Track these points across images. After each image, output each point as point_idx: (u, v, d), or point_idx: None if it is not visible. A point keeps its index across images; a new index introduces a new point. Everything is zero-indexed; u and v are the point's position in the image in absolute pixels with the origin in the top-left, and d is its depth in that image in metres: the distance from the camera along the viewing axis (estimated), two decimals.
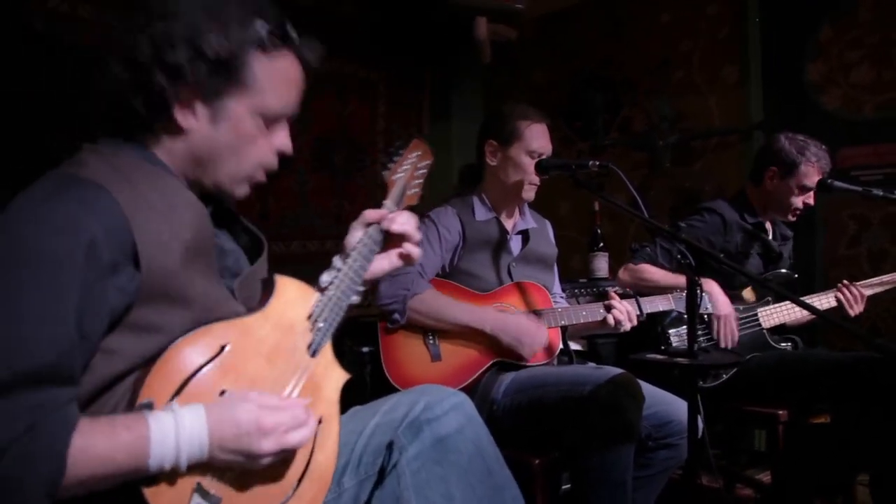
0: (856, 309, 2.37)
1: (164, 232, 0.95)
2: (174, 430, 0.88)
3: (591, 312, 2.02)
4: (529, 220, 2.22)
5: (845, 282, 2.39)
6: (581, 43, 3.85)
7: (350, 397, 1.32)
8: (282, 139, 1.12)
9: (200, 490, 0.93)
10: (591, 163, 1.83)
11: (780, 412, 2.18)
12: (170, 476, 0.90)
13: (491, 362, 1.96)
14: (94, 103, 1.09)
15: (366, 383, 2.12)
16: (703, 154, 3.38)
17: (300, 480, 1.05)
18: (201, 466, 0.93)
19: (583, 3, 3.80)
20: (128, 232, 0.91)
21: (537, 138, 2.06)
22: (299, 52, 1.10)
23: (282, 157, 1.14)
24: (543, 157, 2.05)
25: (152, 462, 0.87)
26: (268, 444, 0.95)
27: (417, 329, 1.96)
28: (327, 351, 1.15)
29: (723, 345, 2.26)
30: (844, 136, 2.93)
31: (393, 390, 1.84)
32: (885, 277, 2.45)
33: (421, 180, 1.35)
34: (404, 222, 1.24)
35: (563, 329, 2.10)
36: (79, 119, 2.22)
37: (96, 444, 0.85)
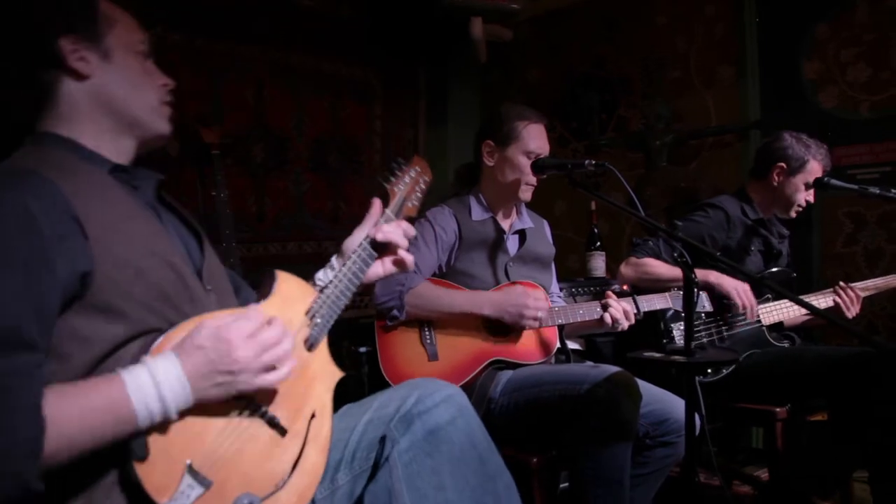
0: (853, 311, 2.38)
1: (105, 212, 0.99)
2: (147, 372, 0.90)
3: (587, 311, 2.02)
4: (526, 220, 2.22)
5: (842, 284, 2.40)
6: (577, 42, 3.85)
7: (348, 397, 1.33)
8: (158, 74, 1.19)
9: (192, 470, 0.94)
10: (587, 162, 1.83)
11: (778, 409, 2.18)
12: (161, 448, 0.91)
13: (488, 361, 1.95)
14: None
15: (363, 383, 2.13)
16: (700, 153, 3.39)
17: (292, 472, 1.07)
18: (193, 440, 0.94)
19: (578, 2, 3.80)
20: (67, 205, 0.94)
21: (535, 139, 2.06)
22: None
23: (168, 88, 1.20)
24: (541, 157, 2.05)
25: (137, 408, 0.88)
26: (242, 352, 0.97)
27: (414, 328, 1.96)
28: (323, 347, 1.18)
29: (749, 317, 2.30)
30: (841, 135, 2.93)
31: None
32: (879, 281, 2.46)
33: (420, 195, 1.46)
34: (389, 231, 1.31)
35: (561, 328, 2.10)
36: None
37: (75, 398, 0.87)
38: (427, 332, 1.96)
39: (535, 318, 1.93)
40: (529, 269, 2.15)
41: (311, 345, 1.14)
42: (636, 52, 3.59)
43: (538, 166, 1.95)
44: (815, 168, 2.43)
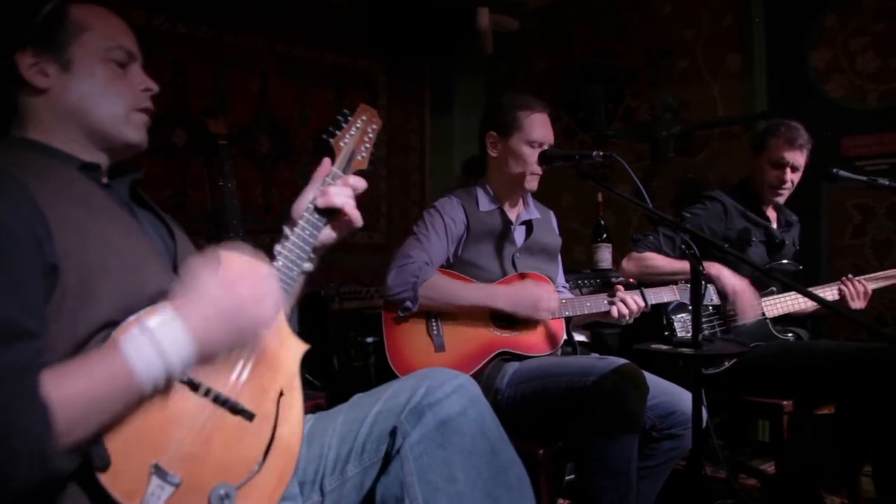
0: (857, 304, 2.36)
1: (75, 213, 0.98)
2: (149, 342, 0.89)
3: (595, 304, 2.02)
4: (533, 211, 2.21)
5: (850, 276, 2.38)
6: (583, 33, 3.83)
7: (355, 388, 1.32)
8: (141, 78, 1.16)
9: (158, 470, 0.92)
10: (594, 153, 1.82)
11: (784, 403, 2.18)
12: (122, 453, 0.90)
13: (495, 353, 1.96)
14: None
15: (370, 374, 2.13)
16: (707, 144, 3.37)
17: (266, 454, 1.04)
18: (155, 441, 0.92)
19: None
20: (35, 204, 0.93)
21: (538, 128, 2.06)
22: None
23: (150, 93, 1.17)
24: (544, 146, 2.04)
25: (145, 383, 0.88)
26: (250, 309, 0.97)
27: (421, 320, 1.96)
28: (282, 322, 1.14)
29: (742, 320, 2.28)
30: (849, 125, 2.92)
31: None
32: (891, 272, 2.44)
33: (370, 145, 1.33)
34: (333, 194, 1.22)
35: (568, 320, 2.09)
36: None
37: (76, 374, 0.86)
38: (434, 324, 1.96)
39: (549, 310, 1.95)
40: (536, 260, 2.15)
41: None
42: (642, 43, 3.57)
43: (546, 158, 1.94)
44: (774, 144, 2.42)
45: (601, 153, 1.81)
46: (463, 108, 4.09)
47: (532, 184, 2.09)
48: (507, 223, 2.11)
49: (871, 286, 2.39)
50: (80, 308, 0.94)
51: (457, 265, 2.05)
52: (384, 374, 1.91)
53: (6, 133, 1.10)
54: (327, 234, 1.27)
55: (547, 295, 1.95)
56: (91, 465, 0.88)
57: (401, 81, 3.94)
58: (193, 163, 2.91)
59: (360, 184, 1.26)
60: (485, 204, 2.11)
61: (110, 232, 1.01)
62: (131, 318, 0.93)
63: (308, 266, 1.25)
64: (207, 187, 2.83)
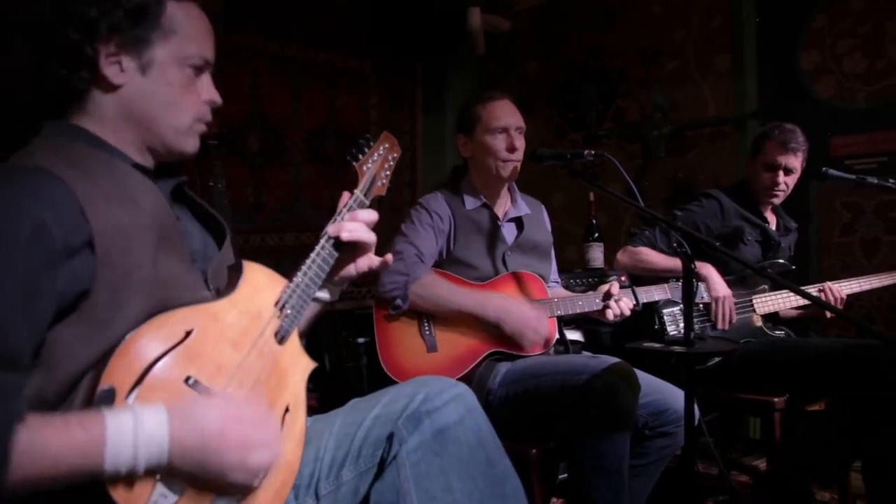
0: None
1: (122, 217, 0.94)
2: (132, 431, 0.84)
3: (587, 303, 2.02)
4: (522, 207, 2.21)
5: (828, 283, 2.40)
6: (574, 33, 3.84)
7: (347, 389, 1.31)
8: (208, 89, 1.12)
9: (164, 479, 0.91)
10: (586, 152, 1.83)
11: (776, 399, 2.19)
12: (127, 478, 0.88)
13: (487, 352, 1.95)
14: (15, 86, 1.09)
15: (362, 374, 2.12)
16: (698, 143, 3.39)
17: (267, 471, 1.03)
18: (161, 469, 0.90)
19: None
20: (81, 215, 0.90)
21: (496, 116, 2.07)
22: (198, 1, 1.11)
23: (213, 107, 1.14)
24: (510, 130, 2.05)
25: (108, 465, 0.83)
26: (230, 457, 0.92)
27: (414, 320, 1.95)
28: (294, 339, 1.14)
29: (720, 326, 2.28)
30: (838, 125, 2.94)
31: (389, 381, 1.84)
32: (863, 279, 2.45)
33: (389, 172, 1.36)
34: (352, 230, 1.19)
35: (559, 319, 2.10)
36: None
37: (48, 441, 0.81)
38: (426, 324, 1.96)
39: (534, 341, 1.92)
40: (528, 258, 2.14)
41: (281, 337, 1.09)
42: (633, 43, 3.58)
43: (537, 157, 1.94)
44: (769, 147, 2.43)
45: (593, 152, 1.82)
46: (454, 109, 4.08)
47: (505, 171, 2.07)
48: (494, 220, 2.11)
49: (846, 292, 2.40)
50: (110, 320, 0.91)
51: (448, 264, 2.05)
52: (376, 376, 1.90)
53: (62, 117, 1.05)
54: (348, 268, 1.26)
55: (537, 323, 1.92)
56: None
57: (392, 81, 3.94)
58: (183, 162, 2.89)
59: (371, 216, 1.24)
60: (470, 202, 2.11)
61: (152, 239, 0.98)
62: (131, 398, 0.88)
63: (322, 295, 1.25)
64: (197, 187, 2.82)
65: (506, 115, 2.08)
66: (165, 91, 1.05)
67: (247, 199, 3.27)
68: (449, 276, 2.01)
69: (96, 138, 1.04)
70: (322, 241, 1.17)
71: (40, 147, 0.99)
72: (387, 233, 4.16)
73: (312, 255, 1.16)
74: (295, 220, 3.44)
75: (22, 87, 1.06)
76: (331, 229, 1.18)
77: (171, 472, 0.90)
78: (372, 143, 1.32)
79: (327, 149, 3.57)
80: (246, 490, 0.99)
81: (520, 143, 2.07)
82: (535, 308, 1.97)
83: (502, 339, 1.97)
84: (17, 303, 0.83)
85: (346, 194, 1.25)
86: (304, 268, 1.14)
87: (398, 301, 1.91)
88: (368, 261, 1.28)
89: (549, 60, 3.96)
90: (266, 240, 3.35)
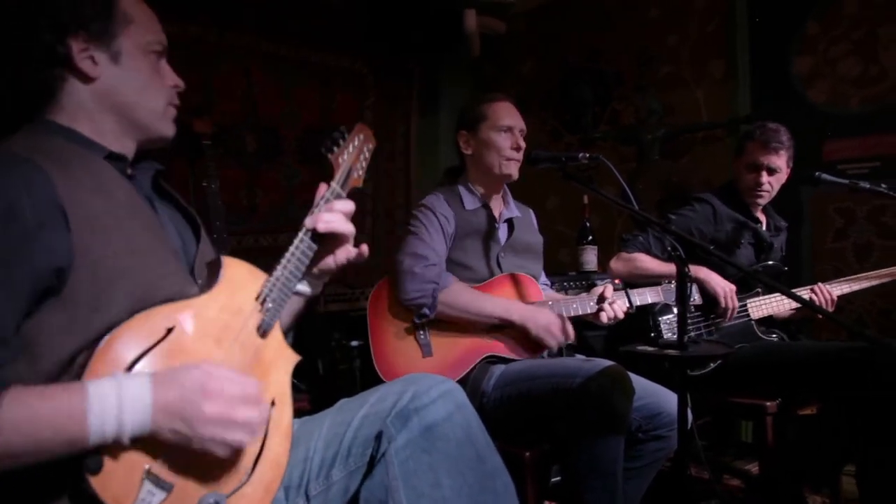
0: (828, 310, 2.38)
1: (97, 204, 0.97)
2: (116, 393, 0.85)
3: (581, 305, 2.02)
4: (514, 209, 2.22)
5: (819, 284, 2.41)
6: (570, 36, 3.84)
7: (339, 391, 1.31)
8: (171, 75, 1.18)
9: (150, 476, 0.91)
10: (581, 155, 1.83)
11: (768, 403, 2.20)
12: (114, 455, 0.88)
13: (482, 357, 1.95)
14: None
15: (355, 378, 2.11)
16: (691, 147, 3.40)
17: (255, 465, 1.04)
18: (148, 448, 0.90)
19: None
20: (55, 196, 0.92)
21: (502, 115, 2.09)
22: None
23: (178, 89, 1.19)
24: (514, 130, 2.08)
25: (92, 428, 0.84)
26: (211, 408, 0.91)
27: (409, 324, 1.95)
28: (276, 332, 1.13)
29: (728, 320, 2.31)
30: (831, 130, 2.95)
31: None
32: (853, 280, 2.46)
33: (366, 164, 1.35)
34: (328, 221, 1.18)
35: None
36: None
37: (30, 407, 0.83)
38: (422, 329, 1.95)
39: (558, 340, 1.95)
40: (521, 259, 2.15)
41: (263, 331, 1.09)
42: (629, 46, 3.59)
43: (533, 159, 1.94)
44: (752, 148, 2.44)
45: (588, 154, 1.82)
46: (450, 111, 4.09)
47: (509, 169, 2.09)
48: (492, 221, 2.11)
49: (837, 293, 2.41)
50: (94, 308, 0.92)
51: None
52: (370, 379, 1.90)
53: (33, 118, 1.08)
54: (326, 260, 1.25)
55: (563, 325, 1.96)
56: (82, 468, 0.86)
57: (388, 82, 3.93)
58: (177, 163, 2.88)
59: (348, 207, 1.23)
60: (469, 202, 2.11)
61: (131, 227, 1.00)
62: (118, 373, 0.89)
63: (303, 288, 1.25)
64: (191, 188, 2.81)
65: (511, 115, 2.11)
66: (137, 77, 1.10)
67: (241, 200, 3.26)
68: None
69: (71, 131, 1.07)
70: (300, 234, 1.16)
71: (16, 141, 1.01)
72: (379, 233, 4.14)
73: (291, 248, 1.15)
74: (289, 222, 3.43)
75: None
76: (308, 221, 1.17)
77: (157, 445, 0.90)
78: (347, 135, 1.30)
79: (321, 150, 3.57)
80: (236, 454, 0.98)
81: (522, 144, 2.09)
82: (553, 311, 1.98)
83: (497, 343, 1.97)
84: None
85: (322, 186, 1.25)
86: (283, 261, 1.13)
87: (425, 310, 1.90)
88: (346, 252, 1.27)
89: (544, 63, 3.97)
90: (260, 240, 3.34)
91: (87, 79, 1.06)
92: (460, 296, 1.94)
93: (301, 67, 3.51)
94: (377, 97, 3.89)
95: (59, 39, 1.03)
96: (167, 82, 1.16)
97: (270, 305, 1.10)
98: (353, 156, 1.30)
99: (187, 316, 0.99)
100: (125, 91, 1.09)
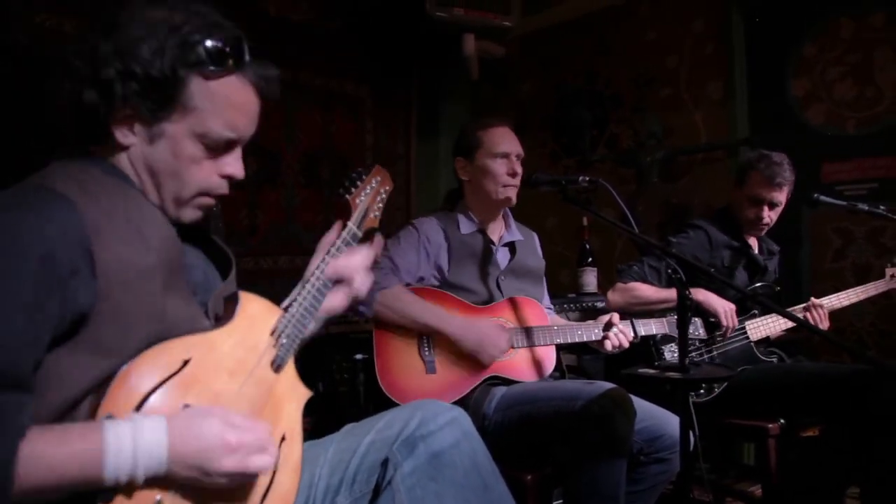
0: (822, 326, 2.38)
1: (128, 255, 0.94)
2: (132, 439, 0.86)
3: (586, 332, 2.02)
4: (515, 233, 2.23)
5: (813, 300, 2.41)
6: (568, 59, 3.88)
7: (342, 413, 1.31)
8: (231, 164, 1.08)
9: (164, 499, 0.91)
10: (581, 178, 1.84)
11: (770, 425, 2.19)
12: (127, 491, 0.88)
13: (485, 377, 1.95)
14: (48, 116, 1.10)
15: (359, 392, 2.11)
16: (690, 169, 3.41)
17: (263, 499, 1.04)
18: (160, 482, 0.90)
19: (570, 20, 3.83)
20: (87, 240, 0.90)
21: (498, 141, 2.10)
22: (248, 76, 1.06)
23: (232, 181, 1.11)
24: (511, 156, 2.08)
25: (107, 473, 0.85)
26: (229, 463, 0.92)
27: (413, 340, 1.95)
28: (290, 368, 1.14)
29: (728, 336, 2.31)
30: (829, 151, 2.97)
31: (387, 400, 1.83)
32: (842, 294, 2.47)
33: (382, 205, 1.38)
34: (339, 267, 1.21)
35: (558, 347, 2.09)
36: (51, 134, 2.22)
37: (47, 451, 0.83)
38: (426, 345, 1.95)
39: (492, 356, 1.93)
40: (522, 283, 2.15)
41: (277, 366, 1.10)
42: (627, 69, 3.62)
43: (533, 182, 1.96)
44: (755, 181, 2.41)
45: (587, 178, 1.83)
46: (449, 133, 4.11)
47: (507, 193, 2.09)
48: (489, 245, 2.12)
49: (829, 309, 2.41)
50: (108, 351, 0.91)
51: (445, 288, 2.05)
52: (373, 394, 1.89)
53: (83, 142, 1.05)
54: (331, 303, 1.25)
55: (496, 339, 1.93)
56: (95, 498, 0.87)
57: (387, 105, 3.96)
58: None
59: (366, 260, 1.27)
60: (466, 227, 2.12)
61: (156, 278, 0.97)
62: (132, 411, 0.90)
63: (314, 327, 1.25)
64: None
65: (508, 141, 2.11)
66: (171, 162, 1.03)
67: (241, 221, 3.26)
68: (449, 298, 2.01)
69: (112, 166, 1.04)
70: (317, 273, 1.19)
71: (55, 169, 0.99)
72: (379, 256, 4.13)
73: (308, 286, 1.17)
74: (289, 244, 3.43)
75: (55, 111, 1.05)
76: (329, 270, 1.20)
77: (170, 481, 0.91)
78: (365, 176, 1.34)
79: (322, 173, 3.58)
80: (246, 486, 1.00)
81: (519, 169, 2.09)
82: (497, 326, 1.97)
83: (500, 364, 1.96)
84: (25, 324, 0.84)
85: (338, 225, 1.28)
86: (299, 298, 1.15)
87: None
88: (353, 296, 1.29)
89: (543, 86, 4.00)
90: (260, 263, 3.34)
91: (119, 144, 1.02)
92: (398, 299, 1.92)
93: (301, 91, 3.54)
94: (376, 121, 3.91)
95: (104, 101, 0.98)
96: (216, 171, 1.07)
97: (285, 341, 1.12)
98: (370, 197, 1.34)
99: (203, 349, 0.99)
100: (152, 170, 1.04)
